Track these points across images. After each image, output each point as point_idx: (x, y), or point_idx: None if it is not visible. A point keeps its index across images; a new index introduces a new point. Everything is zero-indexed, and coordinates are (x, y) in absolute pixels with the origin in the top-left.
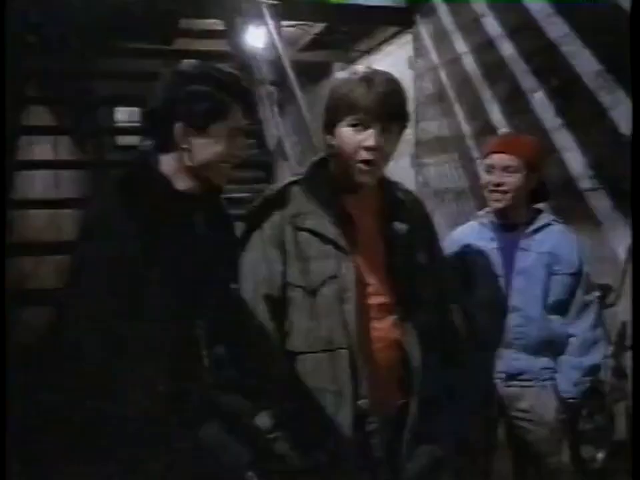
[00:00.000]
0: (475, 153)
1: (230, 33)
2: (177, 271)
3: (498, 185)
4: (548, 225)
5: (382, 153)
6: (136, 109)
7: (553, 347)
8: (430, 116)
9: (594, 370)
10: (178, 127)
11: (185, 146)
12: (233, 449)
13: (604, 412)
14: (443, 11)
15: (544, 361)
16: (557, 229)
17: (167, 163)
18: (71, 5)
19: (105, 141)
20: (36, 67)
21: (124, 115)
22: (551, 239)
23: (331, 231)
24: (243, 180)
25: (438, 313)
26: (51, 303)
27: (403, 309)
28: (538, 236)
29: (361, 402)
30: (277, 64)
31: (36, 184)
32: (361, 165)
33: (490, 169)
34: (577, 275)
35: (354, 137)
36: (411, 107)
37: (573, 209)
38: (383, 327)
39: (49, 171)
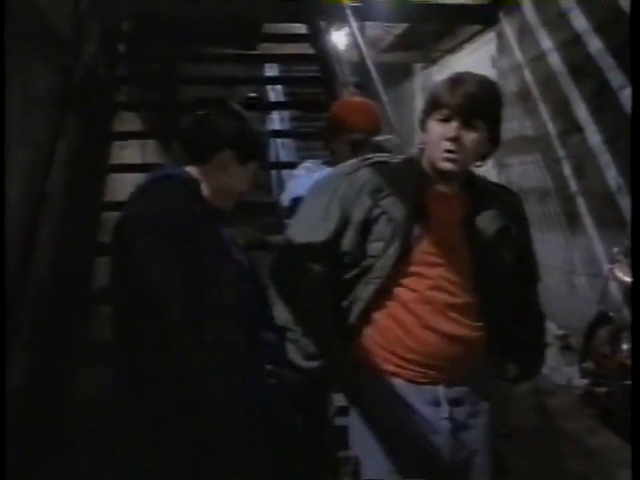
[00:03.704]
0: (560, 152)
1: (313, 36)
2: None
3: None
4: None
5: (463, 145)
6: None
7: None
8: (513, 115)
9: None
10: (227, 154)
11: (223, 173)
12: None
13: None
14: (528, 7)
15: None
16: None
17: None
18: (158, 14)
19: None
20: (126, 74)
21: None
22: None
23: (399, 214)
24: None
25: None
26: None
27: (485, 311)
28: None
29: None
30: (360, 65)
31: (125, 186)
32: (444, 154)
33: None
34: None
35: (438, 130)
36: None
37: None
38: (454, 327)
39: (137, 174)
